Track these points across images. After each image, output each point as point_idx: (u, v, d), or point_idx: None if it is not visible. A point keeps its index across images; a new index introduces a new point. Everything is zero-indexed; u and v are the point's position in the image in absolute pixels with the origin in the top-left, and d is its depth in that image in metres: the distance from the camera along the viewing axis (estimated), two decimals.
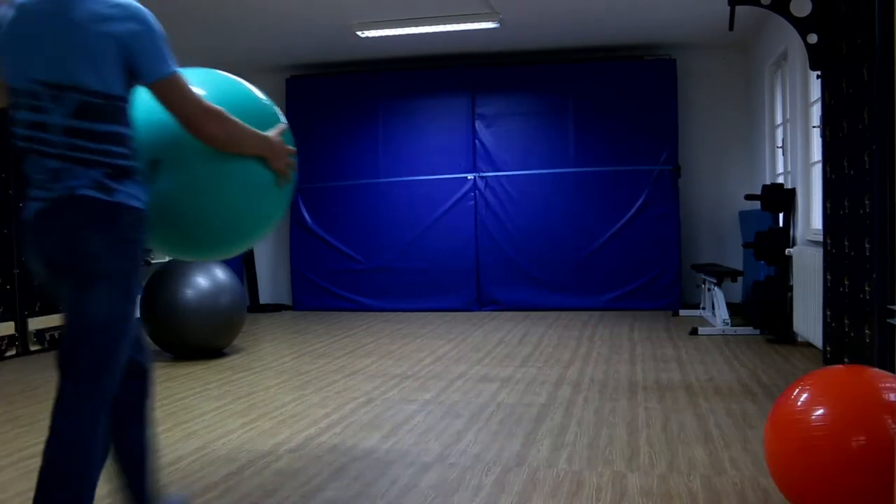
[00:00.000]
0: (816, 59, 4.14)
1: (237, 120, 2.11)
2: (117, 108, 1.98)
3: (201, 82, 2.20)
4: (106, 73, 1.93)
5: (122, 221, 1.97)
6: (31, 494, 2.68)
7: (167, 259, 6.83)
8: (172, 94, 1.99)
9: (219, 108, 2.06)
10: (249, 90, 2.40)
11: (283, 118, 2.44)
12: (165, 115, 2.03)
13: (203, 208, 2.16)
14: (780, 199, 5.80)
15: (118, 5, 1.93)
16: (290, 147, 2.35)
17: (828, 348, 4.31)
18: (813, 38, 4.11)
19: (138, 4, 1.97)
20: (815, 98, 5.24)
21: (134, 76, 1.98)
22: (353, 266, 8.17)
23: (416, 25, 6.71)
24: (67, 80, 1.91)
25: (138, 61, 1.95)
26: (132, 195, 2.00)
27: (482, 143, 7.94)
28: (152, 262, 7.24)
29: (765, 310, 5.68)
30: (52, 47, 1.91)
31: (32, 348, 5.71)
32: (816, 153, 5.32)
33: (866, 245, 3.60)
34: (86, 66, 1.91)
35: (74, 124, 1.94)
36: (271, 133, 2.27)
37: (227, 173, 2.15)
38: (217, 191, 2.16)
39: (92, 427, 1.97)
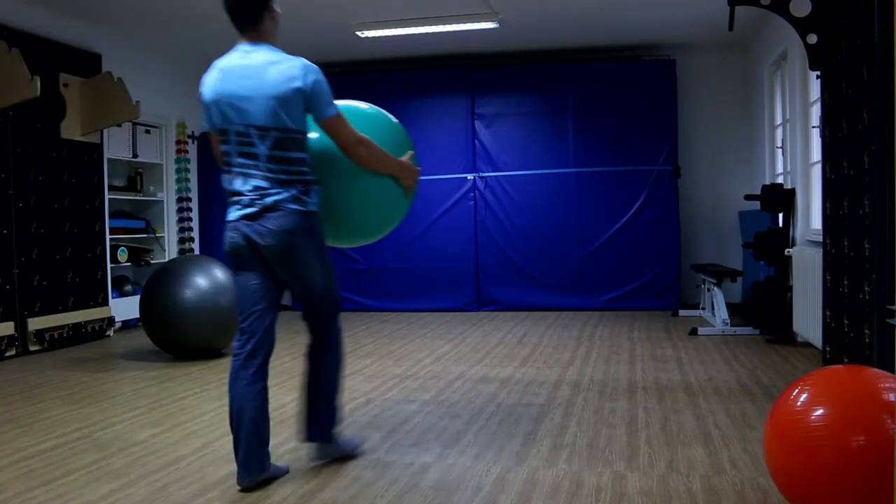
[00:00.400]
0: (816, 59, 4.14)
1: (379, 147, 2.80)
2: (303, 140, 2.73)
3: (352, 114, 2.86)
4: (295, 116, 2.66)
5: (313, 223, 2.75)
6: (31, 494, 2.69)
7: (167, 260, 6.85)
8: (335, 129, 2.72)
9: (366, 137, 2.76)
10: (388, 119, 3.08)
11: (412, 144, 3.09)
12: (328, 142, 2.77)
13: (350, 210, 2.89)
14: (780, 199, 5.80)
15: (301, 66, 2.68)
16: (417, 167, 3.01)
17: (827, 348, 4.31)
18: (812, 39, 4.11)
19: (310, 63, 2.72)
20: (815, 98, 5.24)
21: (311, 114, 2.71)
22: (352, 266, 8.17)
23: (416, 25, 6.71)
24: (271, 123, 2.65)
25: (315, 106, 2.69)
26: (315, 203, 2.76)
27: (482, 144, 7.94)
28: (152, 262, 7.25)
29: (764, 310, 5.69)
30: (259, 101, 2.64)
31: (32, 348, 5.71)
32: (816, 153, 5.32)
33: (866, 245, 3.60)
34: (283, 112, 2.64)
35: (275, 153, 2.68)
36: (404, 158, 2.93)
37: (368, 186, 2.86)
38: (360, 198, 2.88)
39: (336, 356, 2.95)
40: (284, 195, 2.67)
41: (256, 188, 2.69)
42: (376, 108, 3.11)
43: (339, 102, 2.84)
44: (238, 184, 2.72)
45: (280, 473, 2.83)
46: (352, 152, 2.74)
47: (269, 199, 2.67)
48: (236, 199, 2.74)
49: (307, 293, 2.86)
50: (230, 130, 2.71)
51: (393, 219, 3.02)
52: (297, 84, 2.65)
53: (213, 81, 2.74)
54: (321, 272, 2.81)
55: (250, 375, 2.74)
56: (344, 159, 2.77)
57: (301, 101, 2.66)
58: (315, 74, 2.70)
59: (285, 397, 4.17)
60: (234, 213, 2.74)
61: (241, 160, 2.71)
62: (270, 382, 4.49)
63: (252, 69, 2.67)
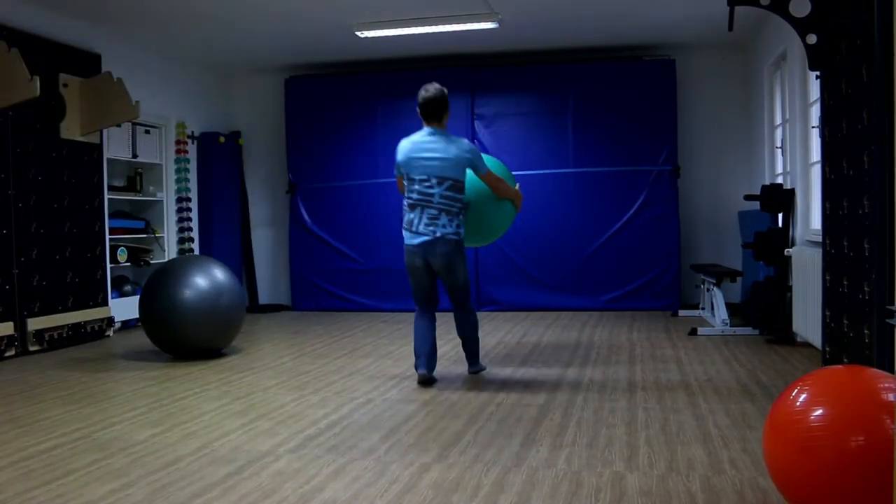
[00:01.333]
0: (815, 59, 4.14)
1: (507, 183, 4.52)
2: (463, 187, 4.37)
3: (490, 164, 4.52)
4: (461, 173, 4.33)
5: (462, 246, 4.43)
6: (31, 495, 2.70)
7: (167, 260, 6.88)
8: (487, 178, 4.41)
9: (501, 178, 4.47)
10: (503, 166, 4.77)
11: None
12: (479, 183, 4.50)
13: (486, 222, 4.59)
14: (780, 199, 5.80)
15: (467, 147, 4.35)
16: (521, 193, 4.71)
17: (827, 348, 4.31)
18: (812, 39, 4.11)
19: (471, 144, 4.41)
20: (815, 98, 5.24)
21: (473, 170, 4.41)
22: (352, 266, 8.18)
23: (416, 25, 6.71)
24: (448, 175, 4.30)
25: (475, 166, 4.36)
26: (462, 232, 4.41)
27: (481, 144, 7.94)
28: (151, 262, 7.25)
29: (764, 310, 5.69)
30: (443, 162, 4.30)
31: (32, 348, 5.71)
32: (815, 153, 5.32)
33: (865, 245, 3.60)
34: (455, 170, 4.31)
35: (447, 194, 4.31)
36: (517, 187, 4.66)
37: (497, 206, 4.56)
38: (492, 213, 4.58)
39: (473, 318, 4.62)
40: (448, 228, 4.30)
41: (430, 218, 4.30)
42: (496, 159, 4.79)
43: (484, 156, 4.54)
44: (416, 215, 4.33)
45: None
46: (494, 188, 4.47)
47: (439, 232, 4.29)
48: (416, 227, 4.34)
49: (455, 286, 4.48)
50: (416, 178, 4.33)
51: (509, 223, 4.74)
52: (467, 154, 4.33)
53: (406, 148, 4.40)
54: (464, 274, 4.47)
55: (428, 319, 4.51)
56: (488, 191, 4.50)
57: (467, 164, 4.33)
58: (474, 151, 4.37)
59: (285, 397, 4.17)
60: (413, 240, 4.35)
61: (422, 198, 4.32)
62: (270, 383, 4.51)
63: (439, 143, 4.35)
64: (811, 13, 4.06)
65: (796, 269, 5.35)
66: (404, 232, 4.41)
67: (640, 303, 7.64)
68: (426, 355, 4.45)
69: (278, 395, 4.22)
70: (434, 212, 4.28)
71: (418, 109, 4.42)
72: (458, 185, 4.32)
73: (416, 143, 4.37)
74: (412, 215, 4.33)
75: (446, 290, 4.51)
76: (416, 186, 4.32)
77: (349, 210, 8.21)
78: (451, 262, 4.34)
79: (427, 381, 4.40)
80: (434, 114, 4.38)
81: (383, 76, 8.13)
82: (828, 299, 4.27)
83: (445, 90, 4.42)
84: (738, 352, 5.26)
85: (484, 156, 4.55)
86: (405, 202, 4.41)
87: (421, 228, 4.29)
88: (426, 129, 4.40)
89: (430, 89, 4.37)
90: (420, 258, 4.35)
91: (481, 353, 5.30)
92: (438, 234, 4.28)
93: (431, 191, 4.28)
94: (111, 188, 6.87)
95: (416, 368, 4.48)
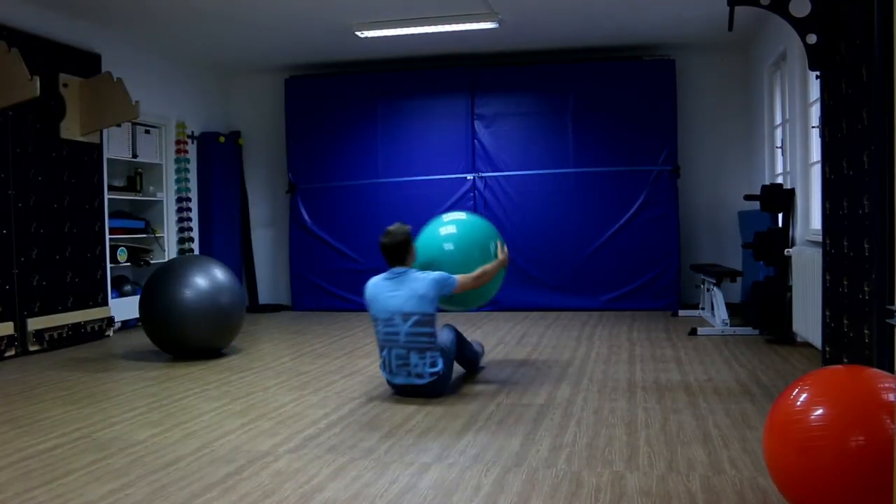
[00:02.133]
0: (815, 59, 4.14)
1: (487, 269, 4.39)
2: (434, 320, 4.07)
3: (461, 248, 4.55)
4: (427, 305, 4.03)
5: (448, 376, 4.18)
6: (30, 495, 2.70)
7: (167, 260, 6.87)
8: (464, 289, 4.24)
9: (478, 273, 4.32)
10: (478, 225, 4.73)
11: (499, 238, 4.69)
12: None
13: (476, 297, 4.59)
14: (780, 199, 5.80)
15: (430, 280, 4.07)
16: (506, 251, 4.59)
17: (827, 348, 4.31)
18: (812, 39, 4.11)
19: (434, 275, 4.10)
20: (815, 98, 5.24)
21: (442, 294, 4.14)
22: (352, 266, 8.17)
23: (415, 25, 6.71)
24: (411, 310, 4.01)
25: (444, 293, 4.12)
26: (439, 364, 4.05)
27: (481, 144, 7.94)
28: (151, 262, 7.25)
29: (764, 310, 5.69)
30: (404, 298, 4.03)
31: (32, 348, 5.70)
32: (815, 153, 5.32)
33: (865, 245, 3.60)
34: (420, 303, 4.01)
35: (413, 330, 4.01)
36: (500, 253, 4.55)
37: (492, 283, 4.57)
38: (491, 287, 4.62)
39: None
40: (418, 367, 4.02)
41: (399, 358, 4.04)
42: (465, 219, 4.75)
43: (448, 222, 4.72)
44: (387, 355, 4.07)
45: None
46: (478, 284, 4.34)
47: (408, 371, 4.03)
48: (390, 368, 4.08)
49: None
50: (380, 318, 4.09)
51: (500, 282, 4.68)
52: (431, 290, 4.05)
53: (370, 289, 4.21)
54: (451, 366, 4.31)
55: None
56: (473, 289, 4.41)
57: (433, 293, 4.05)
58: (438, 280, 4.10)
59: (285, 397, 4.17)
60: (394, 380, 4.10)
61: (387, 337, 4.07)
62: (270, 383, 4.50)
63: (400, 281, 4.12)
64: (811, 13, 4.06)
65: (796, 269, 5.35)
66: (382, 371, 4.18)
67: (640, 303, 7.64)
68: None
69: (278, 395, 4.22)
70: (402, 352, 4.01)
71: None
72: (427, 320, 4.01)
73: (379, 284, 4.18)
74: (384, 354, 4.09)
75: None
76: (383, 327, 4.07)
77: (349, 210, 8.20)
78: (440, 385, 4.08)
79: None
80: (395, 258, 4.19)
81: (383, 76, 8.13)
82: (828, 299, 4.27)
83: (405, 230, 4.22)
84: (738, 352, 5.26)
85: (449, 231, 4.58)
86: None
87: (394, 370, 4.06)
88: (391, 271, 4.20)
89: (389, 235, 4.21)
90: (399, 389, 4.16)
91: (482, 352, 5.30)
92: (415, 383, 4.02)
93: (397, 329, 4.01)
94: (111, 188, 6.87)
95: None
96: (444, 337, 4.29)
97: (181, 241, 7.77)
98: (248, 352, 5.70)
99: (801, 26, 4.10)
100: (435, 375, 4.00)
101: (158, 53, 7.50)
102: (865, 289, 3.60)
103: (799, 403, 2.18)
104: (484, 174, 7.92)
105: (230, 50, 7.64)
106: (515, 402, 3.96)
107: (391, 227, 4.27)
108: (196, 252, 7.92)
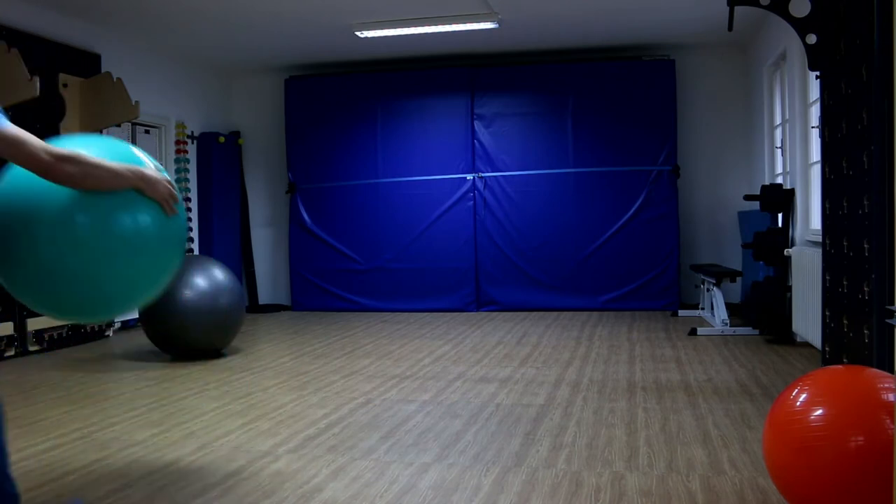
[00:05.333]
0: (815, 59, 4.14)
1: (95, 158, 2.03)
2: None
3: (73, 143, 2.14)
4: None
5: None
6: (30, 495, 2.69)
7: None
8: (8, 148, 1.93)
9: (72, 151, 2.00)
10: (119, 145, 2.31)
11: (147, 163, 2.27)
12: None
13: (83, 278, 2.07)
14: (779, 199, 5.81)
15: None
16: (163, 175, 2.24)
17: (826, 348, 4.31)
18: (812, 39, 4.12)
19: None
20: (814, 98, 5.24)
21: None
22: (351, 266, 8.17)
23: (415, 26, 6.71)
24: None
25: None
26: None
27: (481, 144, 7.94)
28: None
29: (764, 310, 5.69)
30: None
31: (31, 349, 5.71)
32: (815, 153, 5.32)
33: (865, 245, 3.60)
34: None
35: None
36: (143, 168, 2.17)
37: (109, 225, 2.06)
38: (102, 245, 2.06)
39: None
40: None
41: None
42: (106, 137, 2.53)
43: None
44: None
45: None
46: (54, 172, 1.97)
47: None
48: None
49: None
50: None
51: (165, 269, 2.26)
52: None
53: None
54: None
55: None
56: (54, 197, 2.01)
57: None
58: None
59: (285, 397, 4.17)
60: None
61: None
62: (270, 383, 4.50)
63: None
64: (811, 13, 4.06)
65: (796, 269, 5.35)
66: None
67: (640, 303, 7.64)
68: None
69: (278, 395, 4.22)
70: None
71: None
72: None
73: None
74: None
75: None
76: None
77: (349, 210, 8.21)
78: None
79: None
80: None
81: (383, 76, 8.13)
82: (827, 299, 4.27)
83: None
84: (737, 352, 5.26)
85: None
86: None
87: None
88: None
89: None
90: None
91: (481, 353, 5.30)
92: None
93: None
94: None
95: None
96: None
97: None
98: (247, 352, 5.70)
99: (801, 26, 4.10)
100: None
101: (158, 53, 7.50)
102: (865, 289, 3.60)
103: (799, 403, 2.18)
104: (484, 174, 7.92)
105: (230, 50, 7.64)
106: (515, 402, 3.96)
107: None
108: (196, 252, 7.92)
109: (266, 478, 2.85)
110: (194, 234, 7.95)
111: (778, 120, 6.74)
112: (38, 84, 5.12)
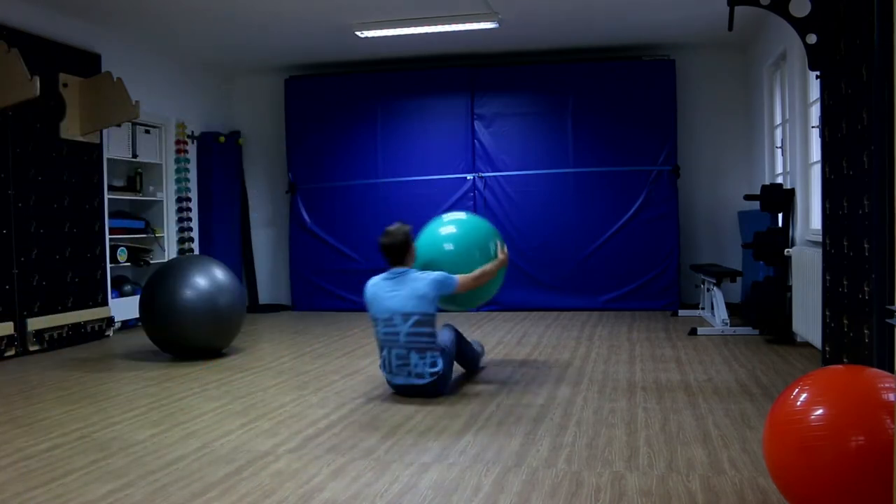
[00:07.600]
0: (815, 59, 4.14)
1: (487, 269, 4.40)
2: (434, 320, 4.08)
3: (461, 248, 4.50)
4: (427, 305, 4.03)
5: (448, 376, 4.17)
6: (30, 495, 2.70)
7: (167, 260, 6.86)
8: (462, 288, 4.24)
9: (478, 273, 4.33)
10: (474, 224, 4.71)
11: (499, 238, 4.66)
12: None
13: (477, 296, 4.60)
14: (779, 199, 5.80)
15: (430, 280, 4.07)
16: (506, 251, 4.58)
17: (827, 348, 4.31)
18: (812, 39, 4.11)
19: (435, 275, 4.11)
20: (814, 98, 5.24)
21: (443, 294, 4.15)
22: (352, 266, 8.17)
23: (415, 25, 6.71)
24: (411, 310, 4.00)
25: (443, 292, 4.12)
26: (439, 364, 4.03)
27: (481, 144, 7.94)
28: (151, 262, 7.25)
29: (764, 310, 5.69)
30: (404, 298, 4.04)
31: (31, 348, 5.70)
32: (815, 153, 5.32)
33: (865, 245, 3.60)
34: (420, 303, 4.01)
35: (413, 330, 4.00)
36: (500, 253, 4.54)
37: (492, 283, 4.60)
38: (493, 286, 4.64)
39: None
40: (419, 366, 4.00)
41: (399, 358, 4.02)
42: (465, 219, 4.73)
43: (448, 221, 4.69)
44: (387, 354, 4.06)
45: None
46: (477, 284, 4.36)
47: (409, 371, 4.01)
48: (390, 368, 4.07)
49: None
50: (379, 318, 4.09)
51: (500, 282, 4.69)
52: (431, 290, 4.06)
53: (370, 289, 4.21)
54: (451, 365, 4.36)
55: None
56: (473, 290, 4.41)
57: (433, 292, 4.06)
58: (438, 280, 4.10)
59: (285, 397, 4.17)
60: (394, 380, 4.10)
61: (387, 338, 4.05)
62: (270, 383, 4.50)
63: (399, 281, 4.13)
64: (811, 13, 4.06)
65: (796, 269, 5.35)
66: (382, 371, 4.16)
67: (640, 303, 7.64)
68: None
69: (278, 395, 4.22)
70: (402, 352, 4.00)
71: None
72: (427, 320, 4.02)
73: (379, 284, 4.18)
74: (384, 353, 4.09)
75: None
76: (383, 328, 4.06)
77: (349, 210, 8.20)
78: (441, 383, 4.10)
79: None
80: (395, 258, 4.20)
81: (383, 76, 8.13)
82: (828, 299, 4.27)
83: (405, 230, 4.23)
84: (737, 352, 5.26)
85: (448, 231, 4.55)
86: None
87: (394, 370, 4.06)
88: (391, 271, 4.20)
89: (389, 235, 4.22)
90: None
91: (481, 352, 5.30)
92: (415, 383, 4.01)
93: (397, 330, 4.00)
94: (111, 188, 6.86)
95: None
96: (444, 337, 4.27)
97: (181, 241, 7.77)
98: (248, 352, 5.70)
99: (801, 26, 4.10)
100: (435, 375, 3.99)
101: (158, 53, 7.50)
102: (865, 289, 3.60)
103: (799, 403, 2.18)
104: (484, 174, 7.92)
105: (230, 50, 7.64)
106: (515, 402, 3.96)
107: (391, 227, 4.27)
108: (196, 252, 7.92)
109: (266, 478, 2.85)
110: (194, 234, 7.95)
111: (778, 120, 6.74)
112: (38, 84, 5.12)
